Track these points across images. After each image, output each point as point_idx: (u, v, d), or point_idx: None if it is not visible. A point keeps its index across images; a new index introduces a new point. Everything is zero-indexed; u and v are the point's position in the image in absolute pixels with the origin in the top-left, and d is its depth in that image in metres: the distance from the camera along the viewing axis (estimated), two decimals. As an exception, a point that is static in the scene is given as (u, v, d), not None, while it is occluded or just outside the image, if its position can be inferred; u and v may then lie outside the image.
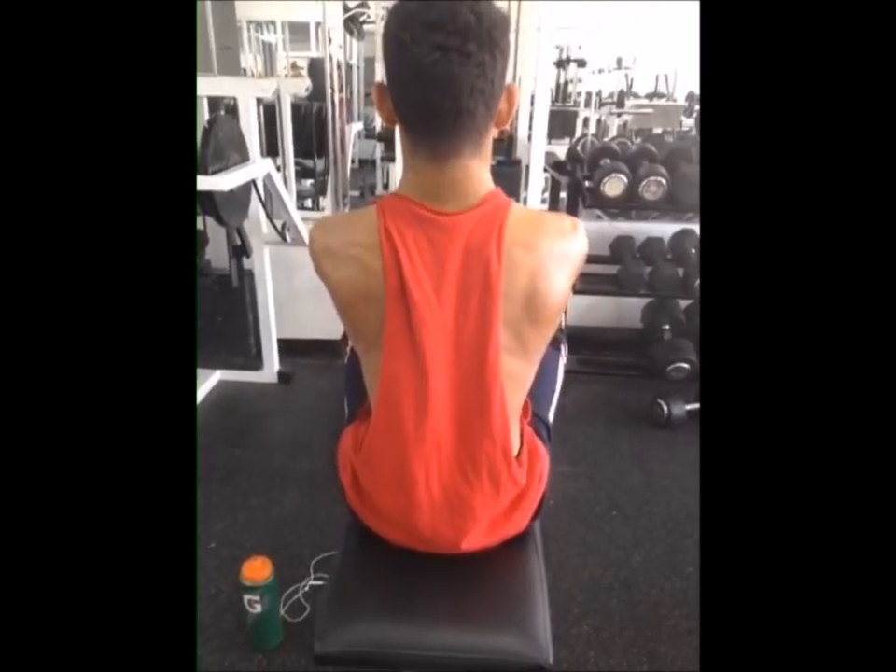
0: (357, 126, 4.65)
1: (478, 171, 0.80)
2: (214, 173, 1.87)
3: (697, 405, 2.33)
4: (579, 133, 4.85)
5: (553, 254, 0.80)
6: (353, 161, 4.61)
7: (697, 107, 5.36)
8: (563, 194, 2.84)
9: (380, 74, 4.88)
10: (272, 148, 3.08)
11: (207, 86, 2.14)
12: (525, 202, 2.61)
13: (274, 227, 2.40)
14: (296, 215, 2.37)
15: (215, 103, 2.62)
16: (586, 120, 4.86)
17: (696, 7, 0.70)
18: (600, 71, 5.67)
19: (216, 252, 2.38)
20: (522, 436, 0.97)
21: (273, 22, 5.72)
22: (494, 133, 0.81)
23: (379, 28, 4.57)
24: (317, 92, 3.33)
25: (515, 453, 0.93)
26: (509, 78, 0.78)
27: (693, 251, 2.63)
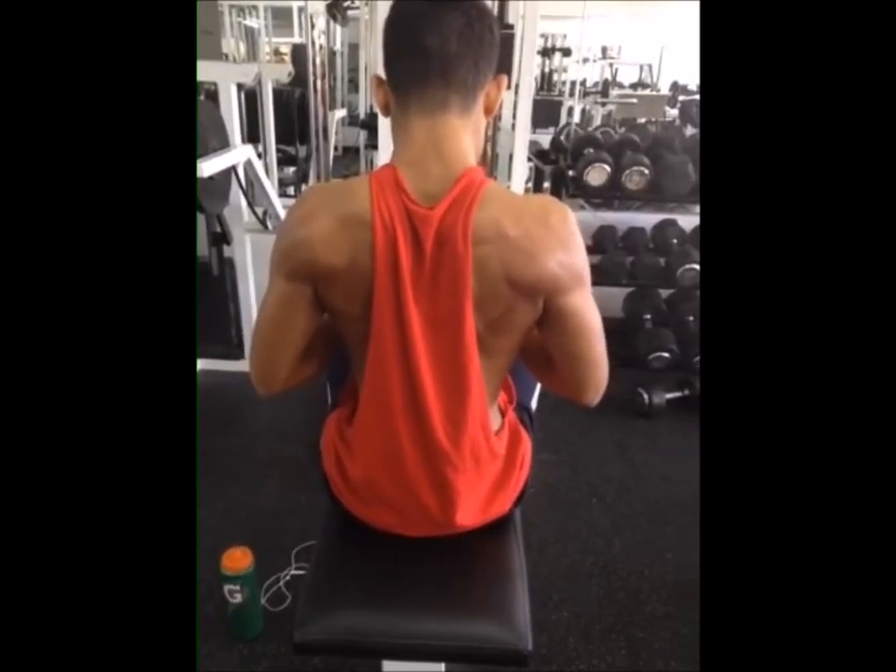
0: (341, 113, 4.60)
1: (462, 134, 0.81)
2: (193, 159, 1.84)
3: (678, 394, 2.36)
4: (563, 122, 4.84)
5: (528, 239, 0.76)
6: (336, 149, 4.57)
7: (681, 97, 5.37)
8: (546, 183, 2.84)
9: (363, 60, 4.84)
10: (253, 135, 3.04)
11: (187, 70, 2.10)
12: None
13: (255, 214, 2.38)
14: (277, 202, 2.34)
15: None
16: (570, 110, 4.85)
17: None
18: (585, 60, 5.67)
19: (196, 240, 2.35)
20: (504, 417, 0.99)
21: (255, 7, 5.64)
22: (482, 116, 0.84)
23: (363, 14, 4.52)
24: (300, 79, 3.29)
25: (495, 430, 0.94)
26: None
27: (675, 241, 2.65)
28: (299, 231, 0.79)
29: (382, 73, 0.84)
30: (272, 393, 0.90)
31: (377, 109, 0.88)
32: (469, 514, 0.94)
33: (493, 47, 0.80)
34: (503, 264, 0.76)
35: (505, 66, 0.88)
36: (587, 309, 0.83)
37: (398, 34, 0.79)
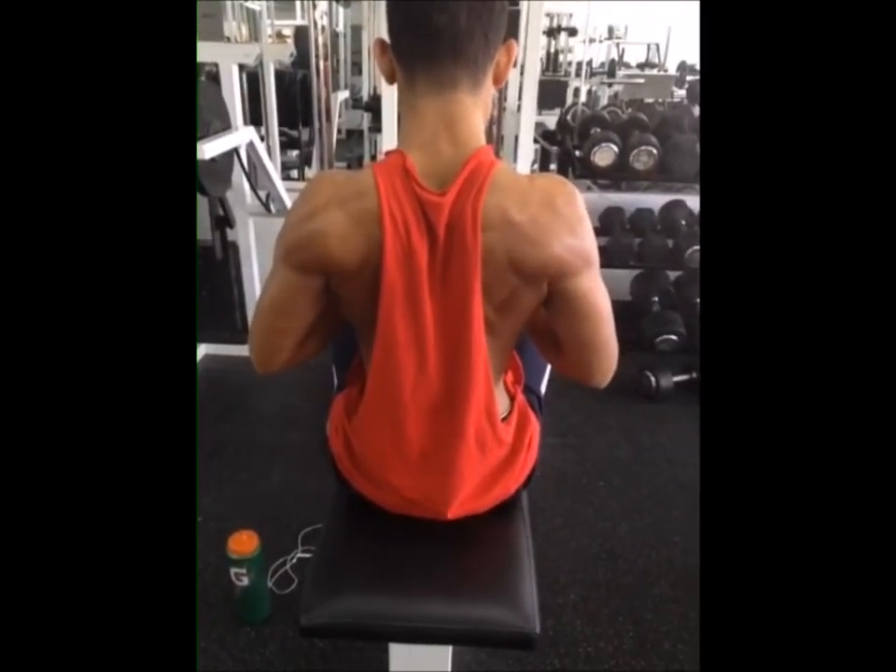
0: (344, 95, 4.55)
1: (474, 113, 0.78)
2: (195, 141, 1.83)
3: (685, 377, 2.34)
4: (569, 103, 4.78)
5: (533, 225, 0.74)
6: (339, 132, 4.53)
7: (689, 77, 5.30)
8: (553, 165, 2.81)
9: (367, 42, 4.79)
10: (255, 117, 3.01)
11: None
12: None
13: (258, 198, 2.36)
14: (280, 185, 2.32)
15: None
16: (577, 90, 4.78)
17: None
18: (591, 40, 5.58)
19: (198, 223, 2.34)
20: (514, 402, 0.98)
21: (256, -12, 5.57)
22: (492, 88, 0.81)
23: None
24: (303, 60, 3.25)
25: (503, 415, 0.93)
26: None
27: (683, 222, 2.62)
28: (309, 224, 0.76)
29: (386, 37, 0.79)
30: (270, 374, 0.91)
31: (381, 77, 0.84)
32: (472, 499, 0.94)
33: (502, 13, 0.76)
34: (508, 251, 0.75)
35: (512, 35, 0.83)
36: (595, 291, 0.81)
37: (403, 7, 0.75)
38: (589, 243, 0.78)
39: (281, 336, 0.87)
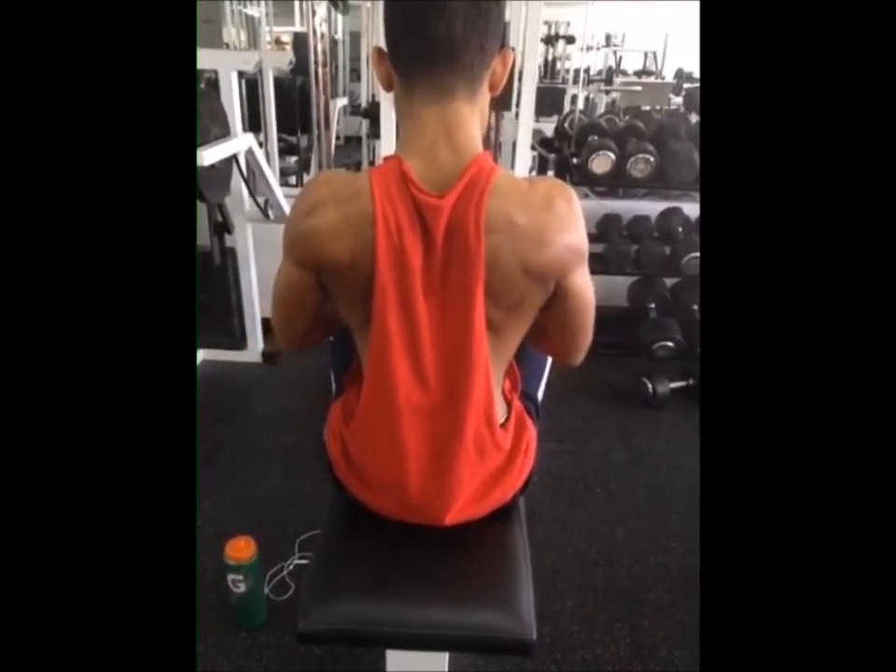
0: (342, 101, 4.58)
1: (471, 121, 0.80)
2: (194, 147, 1.83)
3: (682, 383, 2.34)
4: (567, 110, 4.80)
5: (536, 227, 0.77)
6: (338, 138, 4.55)
7: (686, 85, 5.32)
8: (550, 172, 2.82)
9: (365, 49, 4.81)
10: (254, 124, 3.02)
11: (187, 58, 2.08)
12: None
13: (257, 204, 2.37)
14: (279, 191, 2.33)
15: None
16: (574, 98, 4.80)
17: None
18: (589, 48, 5.61)
19: (197, 229, 2.34)
20: (511, 408, 0.98)
21: (255, -5, 5.59)
22: (488, 95, 0.82)
23: (364, 2, 4.49)
24: (302, 67, 3.26)
25: (501, 421, 0.94)
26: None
27: (680, 229, 2.63)
28: (307, 221, 0.79)
29: (384, 45, 0.80)
30: (292, 350, 1.01)
31: (379, 84, 0.86)
32: (470, 504, 0.94)
33: (499, 21, 0.77)
34: (515, 253, 0.77)
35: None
36: (585, 285, 0.86)
37: (400, 14, 0.76)
38: (583, 240, 0.82)
39: (290, 322, 0.94)
